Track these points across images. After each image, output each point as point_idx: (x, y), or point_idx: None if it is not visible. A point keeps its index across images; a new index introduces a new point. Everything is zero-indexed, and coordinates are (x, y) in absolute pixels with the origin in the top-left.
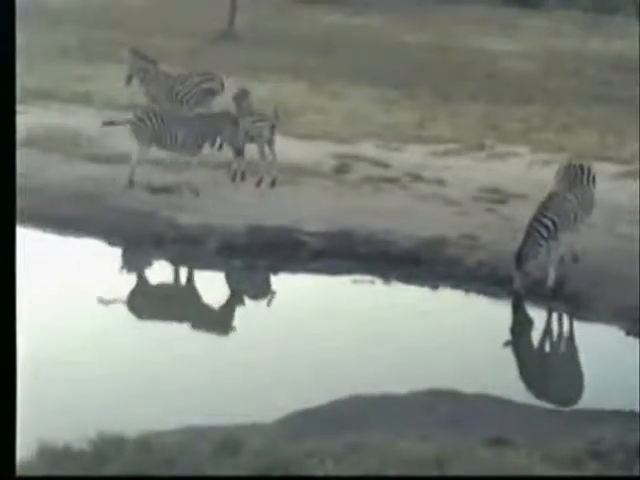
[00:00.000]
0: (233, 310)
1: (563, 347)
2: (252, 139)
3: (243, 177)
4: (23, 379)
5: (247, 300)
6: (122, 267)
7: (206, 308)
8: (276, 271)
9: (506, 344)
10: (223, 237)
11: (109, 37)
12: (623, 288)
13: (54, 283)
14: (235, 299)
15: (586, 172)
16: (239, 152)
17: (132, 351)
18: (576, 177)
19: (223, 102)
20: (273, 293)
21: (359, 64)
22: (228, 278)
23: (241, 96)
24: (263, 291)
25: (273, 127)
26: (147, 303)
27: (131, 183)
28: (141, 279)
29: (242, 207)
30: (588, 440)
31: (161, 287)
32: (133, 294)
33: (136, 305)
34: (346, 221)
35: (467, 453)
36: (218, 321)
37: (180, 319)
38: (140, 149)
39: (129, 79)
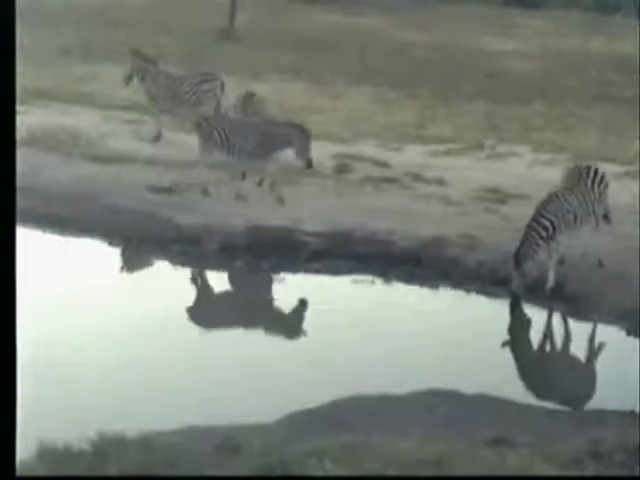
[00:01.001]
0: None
1: (563, 347)
2: None
3: (244, 177)
4: (23, 379)
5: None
6: (122, 267)
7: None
8: (276, 271)
9: (504, 344)
10: (223, 237)
11: (109, 37)
12: (623, 288)
13: (54, 283)
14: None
15: (592, 174)
16: (309, 164)
17: (132, 351)
18: (580, 178)
19: (223, 102)
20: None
21: (359, 64)
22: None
23: (247, 98)
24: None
25: None
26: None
27: (205, 192)
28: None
29: (242, 207)
30: (588, 440)
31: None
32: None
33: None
34: (346, 221)
35: (467, 453)
36: (289, 325)
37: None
38: (203, 155)
39: (129, 78)
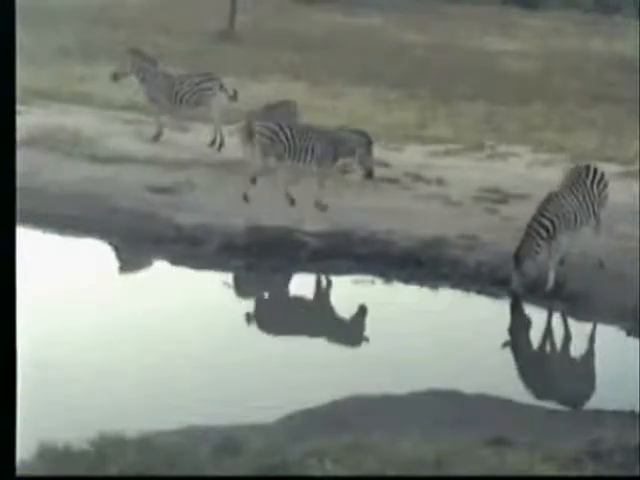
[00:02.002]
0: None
1: (563, 347)
2: None
3: (254, 181)
4: (23, 379)
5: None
6: (122, 267)
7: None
8: (276, 271)
9: (504, 344)
10: (223, 237)
11: (109, 37)
12: (623, 288)
13: (54, 283)
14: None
15: (591, 174)
16: (370, 174)
17: (132, 351)
18: (579, 178)
19: (222, 102)
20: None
21: (359, 64)
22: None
23: (284, 106)
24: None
25: None
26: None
27: (245, 197)
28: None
29: (243, 207)
30: (588, 440)
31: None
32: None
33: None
34: (346, 221)
35: (467, 453)
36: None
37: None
38: (264, 161)
39: (117, 76)
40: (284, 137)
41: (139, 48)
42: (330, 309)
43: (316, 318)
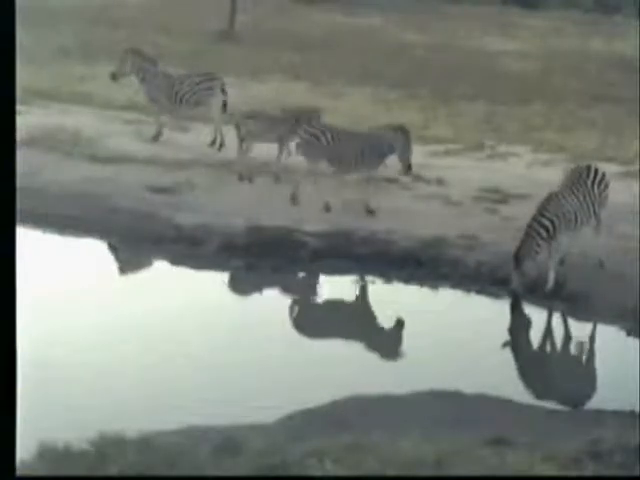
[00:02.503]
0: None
1: (563, 347)
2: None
3: (251, 180)
4: (23, 379)
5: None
6: (122, 267)
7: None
8: (276, 271)
9: (504, 345)
10: (223, 237)
11: (109, 37)
12: (623, 288)
13: (54, 283)
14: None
15: (592, 174)
16: (409, 168)
17: (132, 351)
18: (580, 178)
19: (221, 102)
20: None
21: (359, 64)
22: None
23: (311, 116)
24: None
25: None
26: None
27: (294, 199)
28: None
29: (243, 207)
30: (588, 440)
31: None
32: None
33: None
34: (346, 221)
35: (467, 453)
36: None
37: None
38: (309, 165)
39: (116, 76)
40: (325, 141)
41: (139, 48)
42: (370, 314)
43: (354, 322)
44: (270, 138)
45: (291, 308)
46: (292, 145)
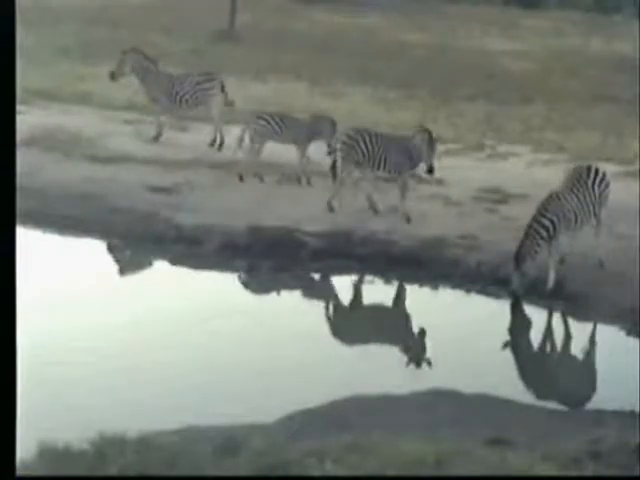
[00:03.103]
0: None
1: (563, 347)
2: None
3: (262, 179)
4: (23, 379)
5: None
6: (122, 267)
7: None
8: (276, 271)
9: (505, 345)
10: (223, 237)
11: (109, 37)
12: (623, 288)
13: (54, 283)
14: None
15: (593, 174)
16: (431, 169)
17: (132, 351)
18: (580, 178)
19: (221, 102)
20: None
21: (359, 64)
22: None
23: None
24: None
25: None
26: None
27: (330, 206)
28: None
29: (243, 207)
30: (588, 440)
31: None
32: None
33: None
34: (346, 221)
35: (467, 453)
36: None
37: None
38: (345, 170)
39: (114, 75)
40: (364, 145)
41: (139, 48)
42: (405, 318)
43: (390, 327)
44: (284, 140)
45: (331, 313)
46: (335, 147)
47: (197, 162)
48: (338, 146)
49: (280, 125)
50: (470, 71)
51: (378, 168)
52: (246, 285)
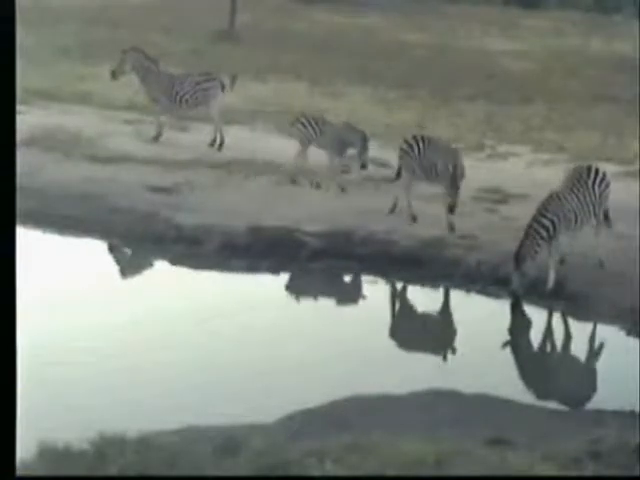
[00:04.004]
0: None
1: (563, 347)
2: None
3: (318, 186)
4: (23, 379)
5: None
6: (122, 267)
7: None
8: (276, 271)
9: (504, 345)
10: (223, 237)
11: (109, 37)
12: (623, 288)
13: (54, 283)
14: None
15: (593, 174)
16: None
17: (132, 351)
18: (580, 178)
19: (223, 102)
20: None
21: (359, 64)
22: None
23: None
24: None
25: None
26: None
27: (393, 209)
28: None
29: (243, 207)
30: (588, 440)
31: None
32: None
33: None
34: (346, 221)
35: (467, 453)
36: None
37: None
38: (407, 177)
39: (116, 74)
40: (417, 151)
41: (140, 47)
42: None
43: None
44: (318, 144)
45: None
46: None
47: (197, 162)
48: (400, 152)
49: (316, 130)
50: (470, 71)
51: (430, 176)
52: (289, 289)
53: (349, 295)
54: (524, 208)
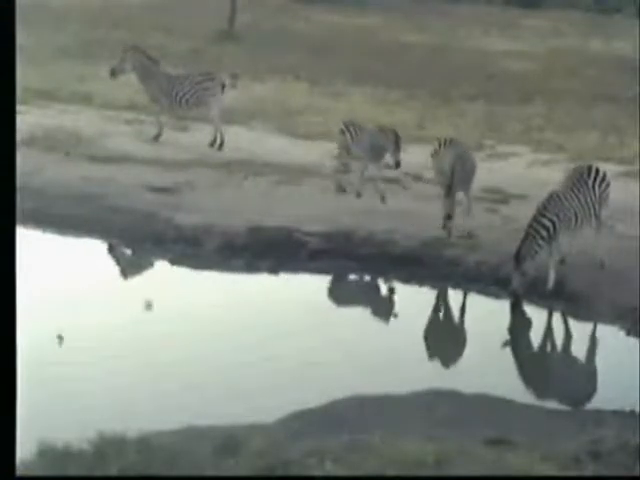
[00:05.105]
0: None
1: (563, 347)
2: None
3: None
4: (23, 379)
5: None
6: (122, 267)
7: None
8: (276, 271)
9: (504, 344)
10: (223, 237)
11: (109, 37)
12: (623, 288)
13: (54, 283)
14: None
15: (593, 174)
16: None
17: (132, 351)
18: (581, 178)
19: (223, 102)
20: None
21: (359, 64)
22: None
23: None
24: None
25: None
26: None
27: (448, 216)
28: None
29: (243, 207)
30: (588, 440)
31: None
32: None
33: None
34: (346, 221)
35: (467, 453)
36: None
37: None
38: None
39: (115, 73)
40: (451, 157)
41: (141, 46)
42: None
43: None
44: (353, 150)
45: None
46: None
47: (197, 162)
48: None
49: (352, 135)
50: (470, 71)
51: (460, 183)
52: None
53: (349, 295)
54: (524, 208)
